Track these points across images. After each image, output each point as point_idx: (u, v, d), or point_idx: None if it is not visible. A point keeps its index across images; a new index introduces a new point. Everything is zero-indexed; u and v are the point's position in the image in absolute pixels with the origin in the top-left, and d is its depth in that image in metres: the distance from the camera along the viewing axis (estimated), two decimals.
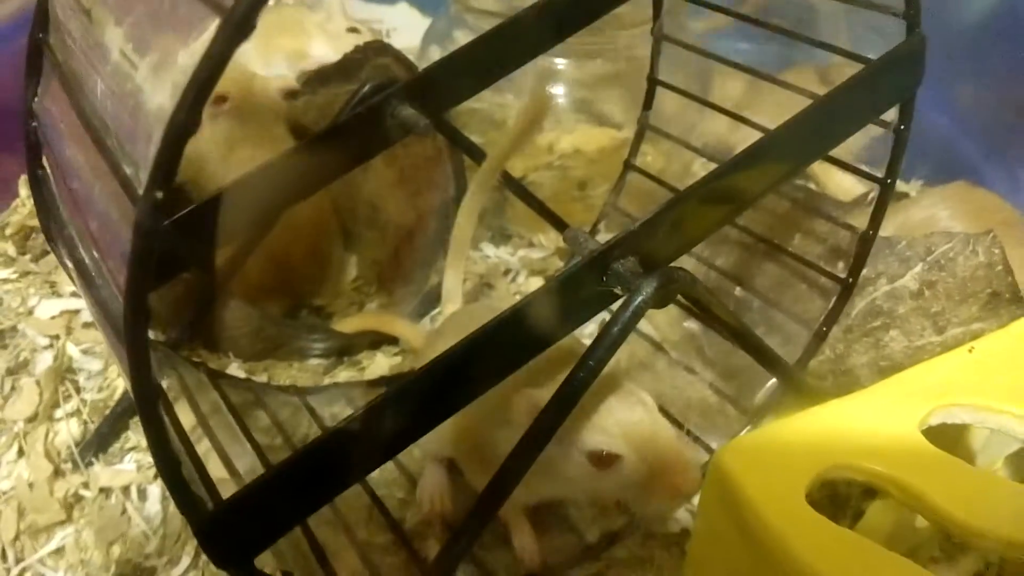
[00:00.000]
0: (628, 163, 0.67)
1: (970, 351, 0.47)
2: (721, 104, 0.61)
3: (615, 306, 0.40)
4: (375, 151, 0.51)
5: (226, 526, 0.34)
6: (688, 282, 0.41)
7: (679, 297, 0.42)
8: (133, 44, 0.34)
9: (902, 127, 0.50)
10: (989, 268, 0.52)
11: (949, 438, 0.46)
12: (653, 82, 0.64)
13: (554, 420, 0.39)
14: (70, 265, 0.43)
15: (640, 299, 0.39)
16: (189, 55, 0.27)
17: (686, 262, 0.45)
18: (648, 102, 0.65)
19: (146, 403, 0.30)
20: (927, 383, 0.45)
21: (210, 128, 0.65)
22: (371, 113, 0.50)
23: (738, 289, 0.63)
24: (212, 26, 0.25)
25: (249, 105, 0.66)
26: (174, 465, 0.32)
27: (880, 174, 0.52)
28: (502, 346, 0.38)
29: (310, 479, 0.36)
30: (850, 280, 0.54)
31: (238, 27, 0.25)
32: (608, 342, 0.39)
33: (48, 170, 0.46)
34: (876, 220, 0.52)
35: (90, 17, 0.38)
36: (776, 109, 0.49)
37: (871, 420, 0.43)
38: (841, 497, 0.56)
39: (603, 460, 0.43)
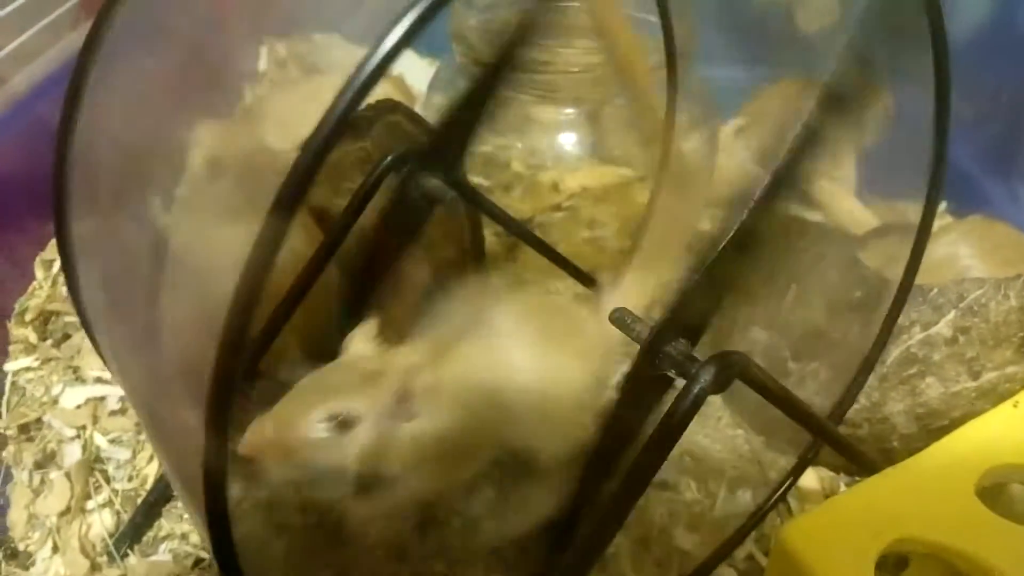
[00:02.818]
0: None
1: (1015, 406, 0.47)
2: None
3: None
4: (417, 232, 0.54)
5: None
6: (744, 365, 0.40)
7: None
8: None
9: None
10: (1021, 312, 0.53)
11: (998, 489, 0.47)
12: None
13: (614, 519, 0.40)
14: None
15: (699, 388, 0.38)
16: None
17: None
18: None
19: None
20: (976, 444, 0.46)
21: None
22: (401, 198, 0.50)
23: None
24: None
25: (254, 181, 0.64)
26: None
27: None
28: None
29: None
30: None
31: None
32: (667, 433, 0.39)
33: None
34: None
35: None
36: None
37: (928, 487, 0.43)
38: None
39: None
